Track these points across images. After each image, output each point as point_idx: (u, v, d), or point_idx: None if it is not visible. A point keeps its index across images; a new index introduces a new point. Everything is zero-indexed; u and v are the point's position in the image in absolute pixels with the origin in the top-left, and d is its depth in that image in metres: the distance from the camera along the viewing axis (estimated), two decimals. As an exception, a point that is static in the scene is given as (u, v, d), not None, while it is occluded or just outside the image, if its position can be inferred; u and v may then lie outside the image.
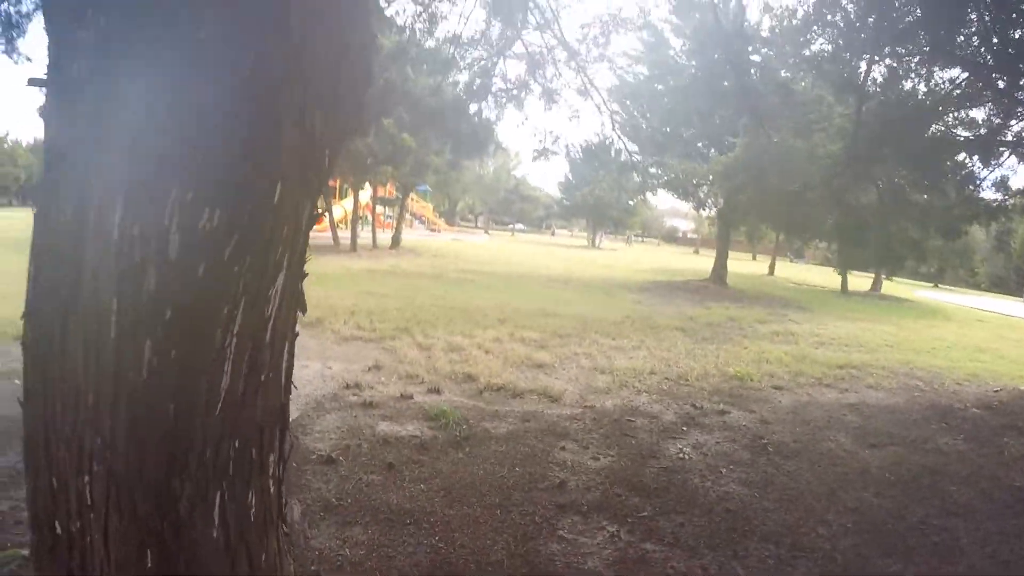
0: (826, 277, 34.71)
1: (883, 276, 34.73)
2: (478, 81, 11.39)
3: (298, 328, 7.39)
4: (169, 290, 1.88)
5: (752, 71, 16.71)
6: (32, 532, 2.25)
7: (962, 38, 8.62)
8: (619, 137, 12.37)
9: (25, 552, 3.29)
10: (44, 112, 2.13)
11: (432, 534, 4.20)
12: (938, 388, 10.35)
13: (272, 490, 2.37)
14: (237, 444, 2.14)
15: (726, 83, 13.95)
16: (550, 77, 11.24)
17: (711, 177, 26.48)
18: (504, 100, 11.76)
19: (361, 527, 4.25)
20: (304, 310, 2.43)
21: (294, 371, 6.80)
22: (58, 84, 2.04)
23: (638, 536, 4.38)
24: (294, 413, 6.31)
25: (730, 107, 15.97)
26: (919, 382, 10.64)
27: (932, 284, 57.00)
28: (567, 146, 12.44)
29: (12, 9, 8.25)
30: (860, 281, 35.50)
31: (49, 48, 2.10)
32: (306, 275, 2.43)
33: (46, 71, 2.09)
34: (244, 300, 2.03)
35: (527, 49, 10.68)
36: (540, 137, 12.51)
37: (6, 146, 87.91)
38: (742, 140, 21.61)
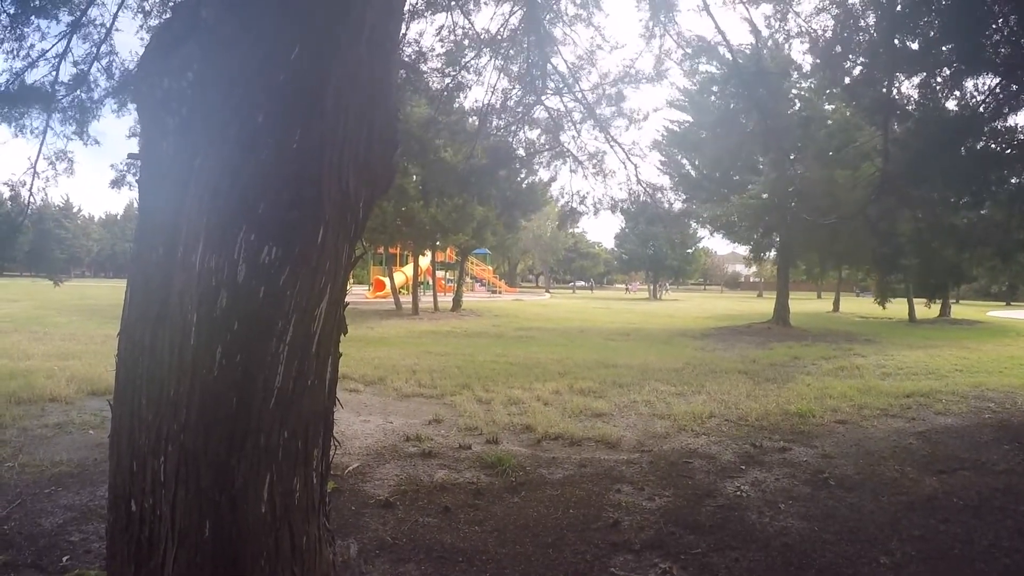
0: (893, 308, 33.95)
1: (951, 300, 33.85)
2: (502, 145, 11.68)
3: (360, 386, 7.68)
4: (237, 307, 2.45)
5: (788, 104, 16.79)
6: (110, 512, 2.75)
7: (989, 44, 8.53)
8: (645, 189, 12.43)
9: (92, 572, 3.65)
10: (139, 178, 2.81)
11: (483, 571, 4.29)
12: (1010, 408, 10.08)
13: (315, 481, 2.82)
14: (286, 434, 2.61)
15: (745, 120, 14.02)
16: (572, 137, 11.49)
17: (735, 217, 26.38)
18: (530, 162, 12.03)
19: (415, 564, 4.36)
20: (345, 331, 2.92)
21: (356, 425, 7.05)
22: (151, 157, 2.70)
23: (691, 572, 4.36)
24: (354, 463, 6.51)
25: (758, 144, 16.01)
26: (990, 403, 10.37)
27: (1004, 303, 55.22)
28: (595, 204, 12.51)
29: (85, 96, 8.86)
30: (928, 308, 34.63)
31: (141, 129, 2.88)
32: (347, 304, 2.93)
33: (139, 148, 2.81)
34: (294, 317, 2.55)
35: (548, 111, 10.94)
36: (567, 198, 12.68)
37: (80, 221, 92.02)
38: (767, 177, 21.58)
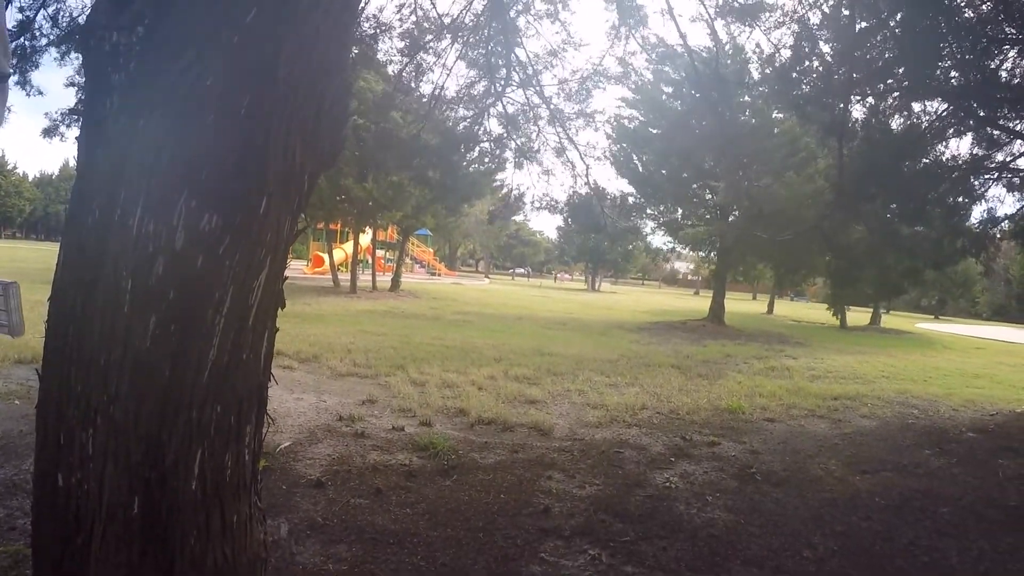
0: (825, 314, 34.82)
1: (881, 310, 34.80)
2: (460, 133, 11.59)
3: (295, 363, 7.54)
4: (173, 275, 2.35)
5: (743, 113, 17.02)
6: (35, 487, 2.64)
7: (940, 71, 8.79)
8: (592, 193, 12.51)
9: (16, 547, 3.53)
10: (79, 135, 2.65)
11: (415, 553, 4.27)
12: (933, 415, 10.38)
13: (247, 459, 2.73)
14: (219, 409, 2.52)
15: (704, 123, 14.21)
16: (531, 134, 11.43)
17: (707, 237, 26.88)
18: (488, 156, 11.98)
19: (346, 545, 4.32)
20: (283, 306, 2.84)
21: (289, 403, 6.94)
22: (93, 114, 2.56)
23: (619, 559, 4.41)
24: (286, 441, 6.42)
25: (714, 149, 16.23)
26: (914, 410, 10.67)
27: (932, 316, 56.98)
28: (541, 198, 12.67)
29: (28, 44, 8.53)
30: (859, 316, 35.55)
31: (86, 85, 2.75)
32: (286, 278, 2.85)
33: (82, 104, 2.55)
34: (232, 288, 2.46)
35: (504, 109, 10.87)
36: (510, 189, 12.74)
37: (13, 179, 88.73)
38: (722, 186, 21.94)
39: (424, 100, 11.29)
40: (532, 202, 12.83)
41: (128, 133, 2.38)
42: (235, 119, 2.40)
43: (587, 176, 12.43)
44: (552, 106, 10.79)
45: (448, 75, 10.50)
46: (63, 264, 2.55)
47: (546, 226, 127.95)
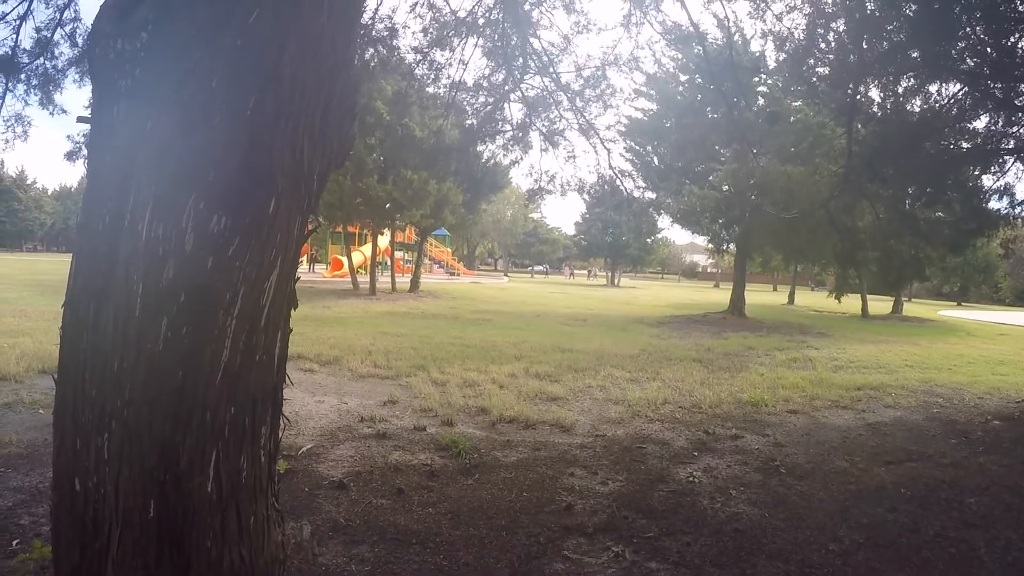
0: (847, 303, 34.56)
1: (903, 298, 34.44)
2: (480, 124, 11.57)
3: (316, 366, 7.56)
4: (184, 278, 2.35)
5: (754, 99, 16.92)
6: (54, 492, 2.64)
7: (955, 51, 8.70)
8: (615, 175, 12.50)
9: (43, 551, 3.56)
10: (88, 143, 2.72)
11: (437, 553, 4.27)
12: (958, 404, 10.29)
13: (263, 460, 2.72)
14: (233, 411, 2.52)
15: (715, 114, 14.19)
16: (552, 119, 11.41)
17: (697, 207, 26.64)
18: (510, 144, 11.94)
19: (368, 546, 4.33)
20: (295, 306, 2.82)
21: (310, 405, 6.96)
22: (101, 121, 2.56)
23: (643, 556, 4.39)
24: (308, 443, 6.43)
25: (722, 135, 16.17)
26: (939, 399, 10.58)
27: (955, 303, 56.44)
28: (562, 185, 12.62)
29: (49, 64, 8.58)
30: (881, 305, 35.25)
31: (93, 93, 2.69)
32: (298, 279, 2.85)
33: (90, 111, 2.65)
34: (243, 289, 2.46)
35: (523, 94, 10.85)
36: (536, 176, 12.69)
37: (33, 193, 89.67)
38: (729, 167, 21.82)
39: (442, 95, 11.30)
40: (561, 185, 12.79)
41: (135, 138, 2.38)
42: (240, 119, 2.39)
43: (608, 159, 12.48)
44: (570, 93, 10.76)
45: (465, 69, 10.43)
46: (76, 271, 2.54)
47: (564, 223, 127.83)
